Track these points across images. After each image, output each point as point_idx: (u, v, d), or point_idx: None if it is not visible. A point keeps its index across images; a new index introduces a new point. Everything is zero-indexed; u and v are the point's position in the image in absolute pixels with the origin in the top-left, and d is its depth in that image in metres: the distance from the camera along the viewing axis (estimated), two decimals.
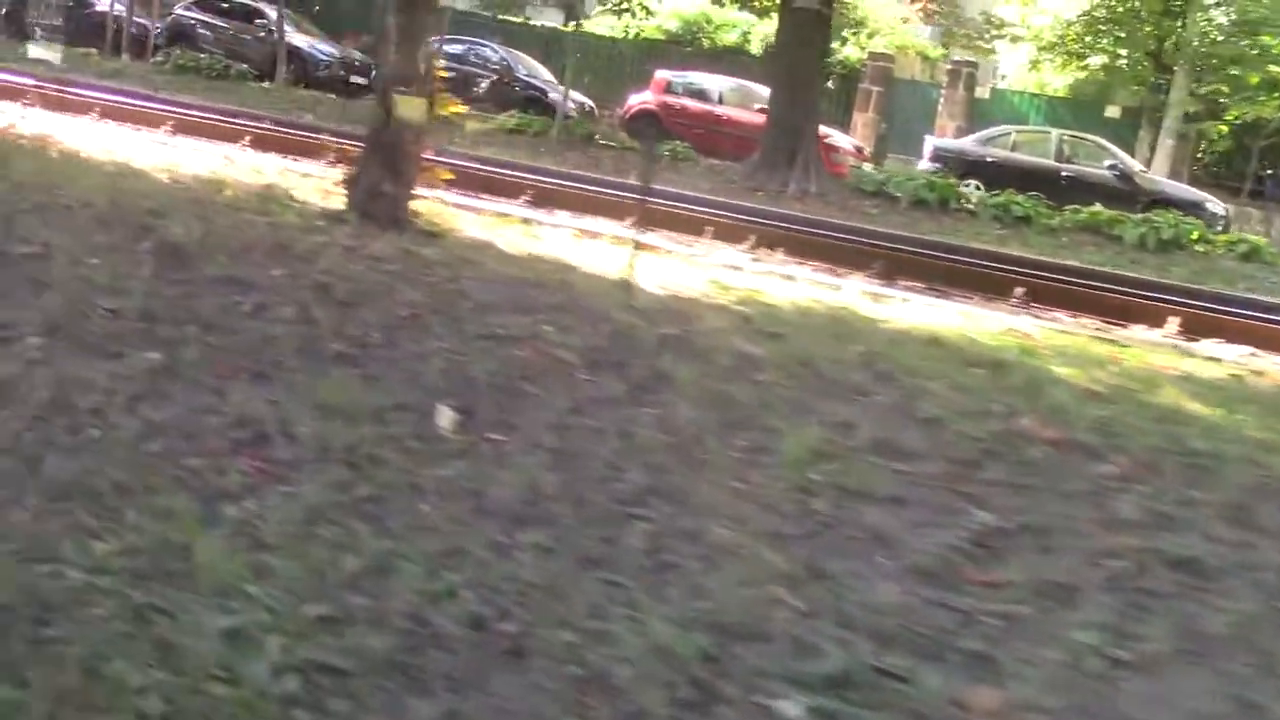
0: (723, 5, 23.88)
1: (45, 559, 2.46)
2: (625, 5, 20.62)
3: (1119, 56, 21.10)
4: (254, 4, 24.99)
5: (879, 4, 22.92)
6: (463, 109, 6.13)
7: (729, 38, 25.57)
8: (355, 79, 24.05)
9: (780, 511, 2.82)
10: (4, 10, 25.31)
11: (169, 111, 11.40)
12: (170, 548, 2.54)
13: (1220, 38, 20.05)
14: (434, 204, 5.55)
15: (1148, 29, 20.62)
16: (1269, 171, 21.97)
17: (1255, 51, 19.52)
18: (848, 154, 19.39)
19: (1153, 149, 20.95)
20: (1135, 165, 18.49)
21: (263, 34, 24.47)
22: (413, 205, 5.20)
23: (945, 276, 7.94)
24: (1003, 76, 25.95)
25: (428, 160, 5.48)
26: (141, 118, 10.93)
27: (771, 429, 3.17)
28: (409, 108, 4.90)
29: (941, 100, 22.64)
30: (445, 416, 3.20)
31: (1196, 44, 19.53)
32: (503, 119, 17.83)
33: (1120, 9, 20.53)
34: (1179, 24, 20.43)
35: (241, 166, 7.16)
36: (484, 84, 22.18)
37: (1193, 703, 2.14)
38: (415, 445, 3.11)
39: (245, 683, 2.09)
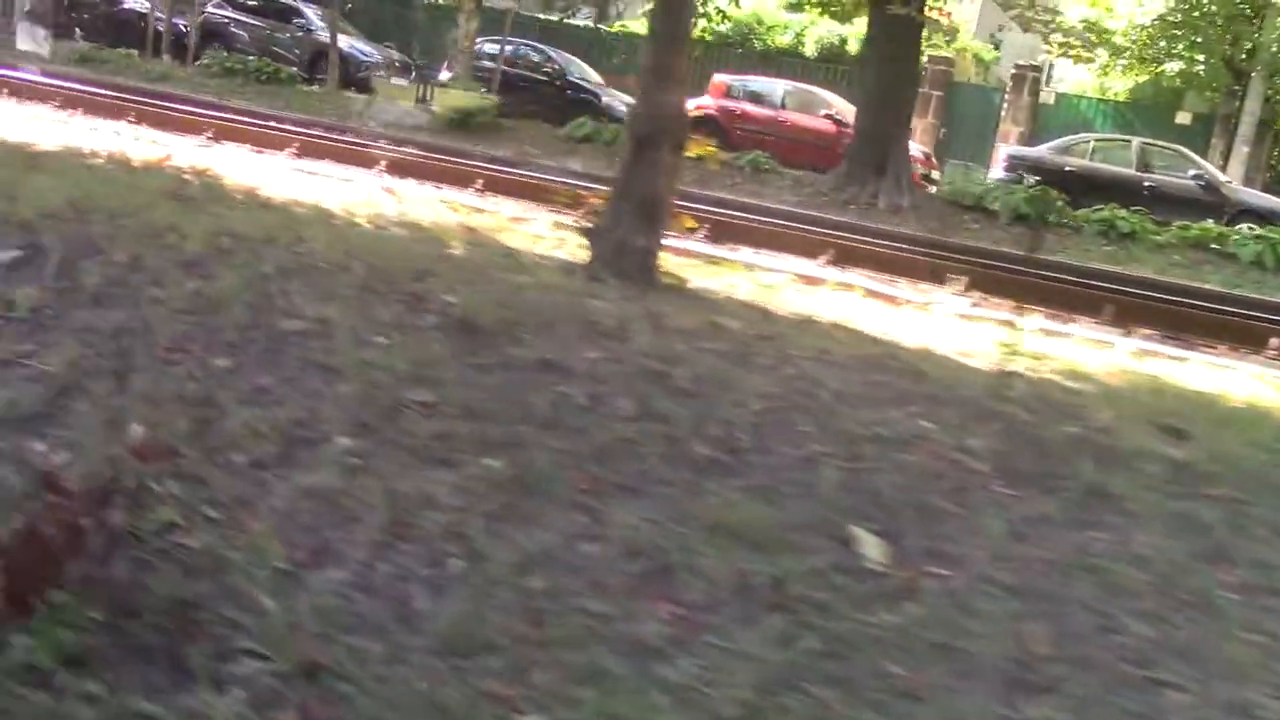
0: (801, 9, 23.16)
1: None
2: (702, 10, 20.00)
3: (1195, 62, 20.56)
4: (290, 2, 24.47)
5: (966, 10, 22.36)
6: (712, 149, 5.61)
7: (782, 39, 24.99)
8: (397, 80, 23.55)
9: None
10: (27, 7, 24.71)
11: (293, 133, 10.76)
12: None
13: None
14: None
15: (1223, 33, 20.07)
16: None
17: None
18: (917, 161, 18.88)
19: (1225, 156, 20.41)
20: (1220, 175, 17.96)
21: (300, 33, 23.92)
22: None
23: (1182, 323, 7.28)
24: (1060, 80, 25.43)
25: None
26: (263, 139, 10.29)
27: (1261, 562, 2.68)
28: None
29: (1005, 105, 22.10)
30: (870, 544, 2.70)
31: (1276, 50, 18.99)
32: (572, 127, 17.26)
33: (1195, 14, 19.98)
34: (1255, 29, 19.89)
35: (412, 200, 6.65)
36: (537, 89, 21.62)
37: None
38: (844, 581, 2.61)
39: None
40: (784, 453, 2.98)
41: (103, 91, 11.90)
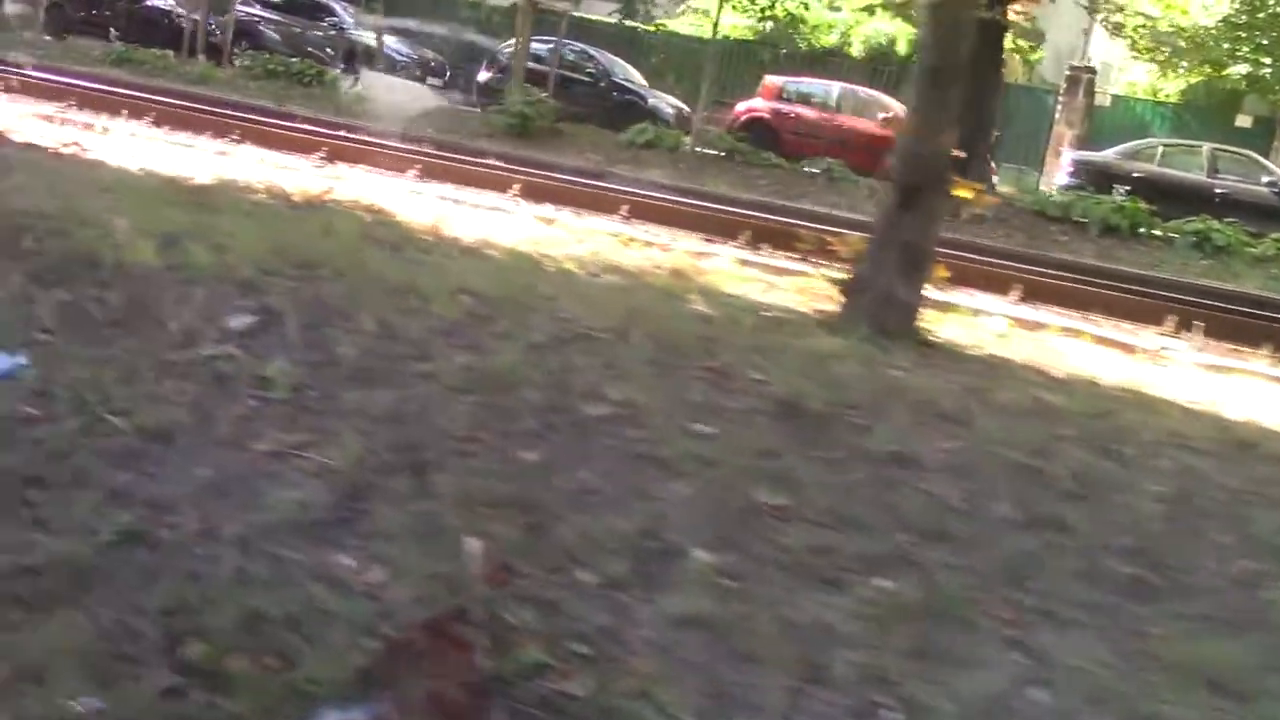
0: (872, 13, 22.64)
1: None
2: (769, 11, 19.53)
3: (1261, 64, 20.13)
4: (325, 1, 24.02)
5: (1055, 14, 21.85)
6: (979, 188, 5.21)
7: (827, 39, 24.53)
8: (432, 80, 23.10)
9: None
10: (47, 3, 24.18)
11: (413, 153, 10.23)
12: None
13: None
14: None
15: None
16: None
17: None
18: None
19: None
20: None
21: (332, 31, 23.45)
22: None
23: None
24: (1113, 81, 25.00)
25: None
26: (384, 160, 9.69)
27: None
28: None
29: (1059, 107, 21.65)
30: None
31: None
32: (633, 133, 16.80)
33: (1261, 15, 19.55)
34: None
35: (574, 231, 6.26)
36: (582, 90, 21.11)
37: None
38: None
39: None
40: (1211, 569, 2.60)
41: (174, 102, 11.47)
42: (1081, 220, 13.50)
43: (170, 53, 21.15)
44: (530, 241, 5.23)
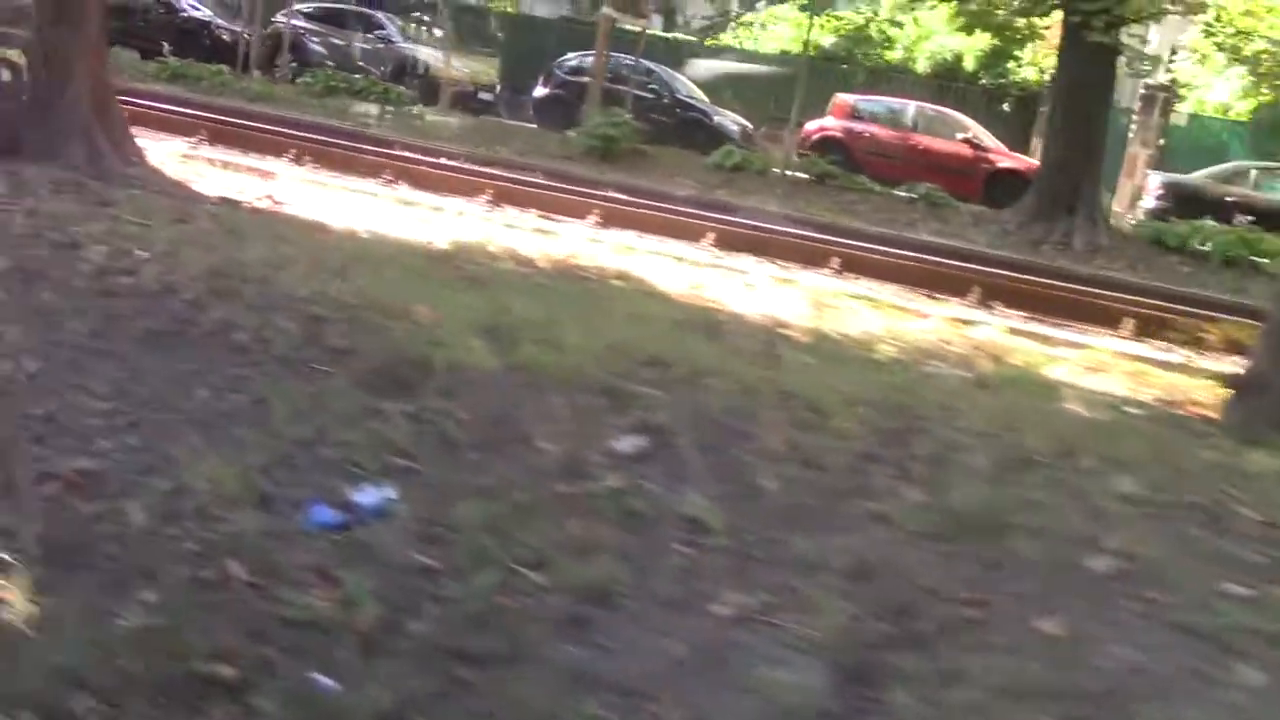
0: (969, 33, 21.98)
1: None
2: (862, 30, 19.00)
3: None
4: (370, 12, 23.60)
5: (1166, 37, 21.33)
6: None
7: (891, 54, 24.07)
8: (483, 95, 22.63)
9: None
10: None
11: (594, 196, 9.72)
12: None
13: None
14: None
15: None
16: None
17: None
18: None
19: None
20: None
21: (380, 45, 22.95)
22: None
23: None
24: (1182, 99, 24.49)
25: None
26: (560, 205, 9.13)
27: None
28: None
29: (1134, 127, 21.16)
30: None
31: None
32: (720, 156, 16.32)
33: None
34: None
35: (815, 294, 5.80)
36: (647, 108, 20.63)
37: None
38: None
39: None
40: None
41: (306, 135, 10.92)
42: (1203, 250, 13.02)
43: (225, 68, 20.49)
44: (810, 317, 4.80)
